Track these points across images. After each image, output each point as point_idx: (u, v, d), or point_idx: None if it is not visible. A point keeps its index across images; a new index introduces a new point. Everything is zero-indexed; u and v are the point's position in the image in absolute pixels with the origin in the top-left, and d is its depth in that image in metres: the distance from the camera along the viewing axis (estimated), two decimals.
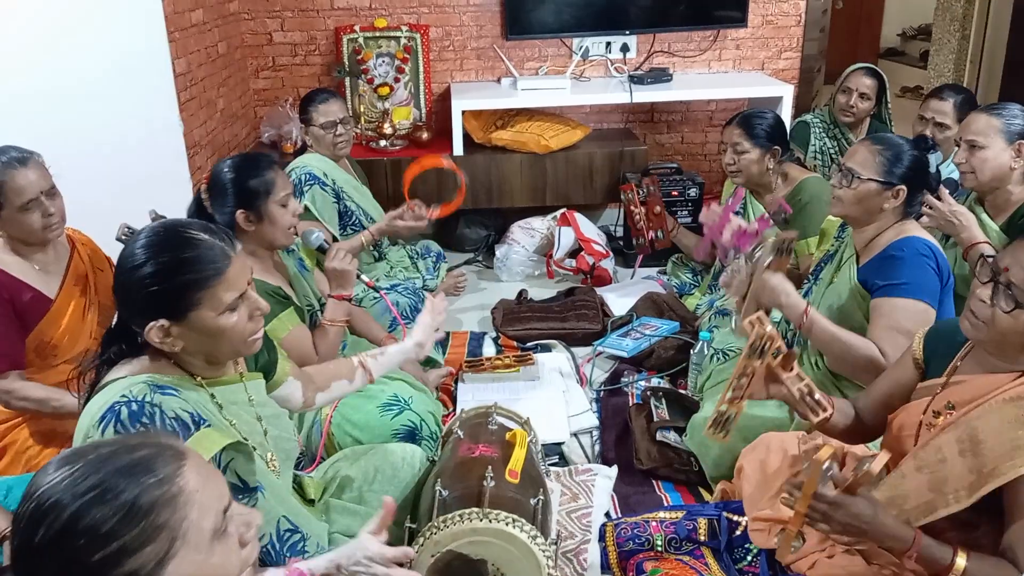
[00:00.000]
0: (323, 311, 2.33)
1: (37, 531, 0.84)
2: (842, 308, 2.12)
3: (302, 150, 3.24)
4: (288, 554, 1.46)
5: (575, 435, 2.53)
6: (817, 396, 1.61)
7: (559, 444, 2.46)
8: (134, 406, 1.29)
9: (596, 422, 2.58)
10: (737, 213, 3.04)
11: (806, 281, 2.38)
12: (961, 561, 1.38)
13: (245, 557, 0.97)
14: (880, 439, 1.88)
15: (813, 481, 1.39)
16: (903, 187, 2.03)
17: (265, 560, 1.43)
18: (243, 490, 1.37)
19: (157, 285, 1.33)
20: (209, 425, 1.35)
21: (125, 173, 2.78)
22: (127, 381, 1.34)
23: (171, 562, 0.87)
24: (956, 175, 2.45)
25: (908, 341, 1.91)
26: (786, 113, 3.89)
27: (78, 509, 0.84)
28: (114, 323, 1.43)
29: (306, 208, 2.95)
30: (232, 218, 2.10)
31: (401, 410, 2.18)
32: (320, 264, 2.51)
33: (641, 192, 3.39)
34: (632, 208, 3.41)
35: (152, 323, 1.34)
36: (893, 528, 1.40)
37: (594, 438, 2.52)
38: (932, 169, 2.12)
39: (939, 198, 2.30)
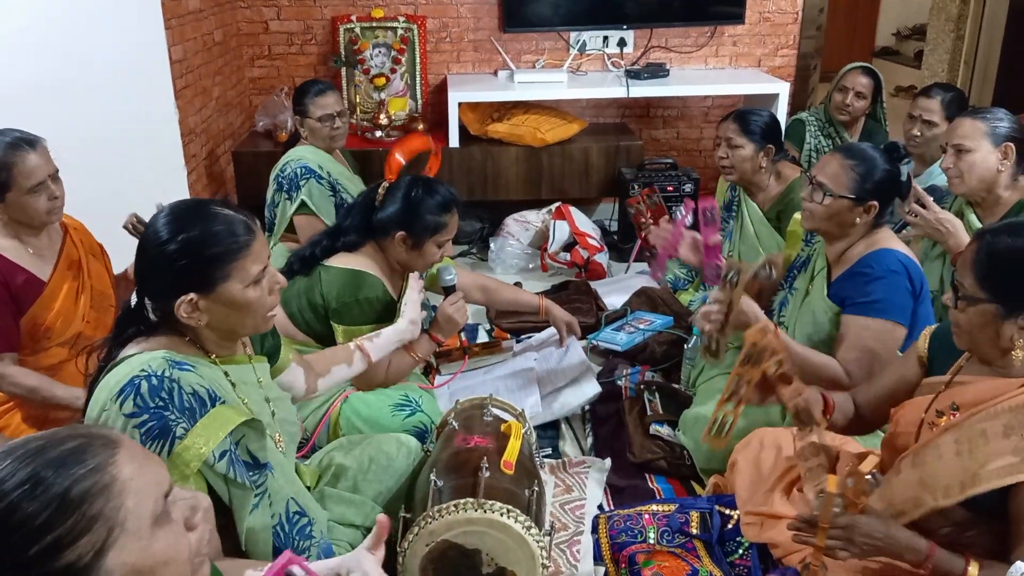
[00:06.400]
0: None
1: None
2: (818, 325, 2.09)
3: (293, 139, 3.20)
4: (297, 537, 1.46)
5: (567, 421, 2.54)
6: (813, 412, 1.62)
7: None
8: (154, 380, 1.30)
9: (598, 388, 2.59)
10: (724, 221, 3.03)
11: (780, 288, 2.34)
12: (974, 571, 1.38)
13: (195, 541, 0.96)
14: (875, 433, 1.90)
15: (827, 512, 1.40)
16: (875, 203, 1.98)
17: (275, 542, 1.43)
18: (254, 467, 1.38)
19: (188, 258, 1.35)
20: (224, 402, 1.37)
21: (120, 160, 2.76)
22: (145, 356, 1.35)
23: (110, 551, 0.85)
24: (943, 181, 2.42)
25: (872, 361, 1.92)
26: (782, 110, 3.90)
27: (9, 505, 0.83)
28: (132, 303, 1.43)
29: (303, 203, 2.94)
30: (391, 226, 2.19)
31: (413, 411, 2.19)
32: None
33: (650, 201, 3.39)
34: (641, 220, 3.40)
35: (182, 297, 1.35)
36: (907, 540, 1.41)
37: (587, 431, 2.53)
38: (904, 178, 2.07)
39: (924, 206, 2.28)
